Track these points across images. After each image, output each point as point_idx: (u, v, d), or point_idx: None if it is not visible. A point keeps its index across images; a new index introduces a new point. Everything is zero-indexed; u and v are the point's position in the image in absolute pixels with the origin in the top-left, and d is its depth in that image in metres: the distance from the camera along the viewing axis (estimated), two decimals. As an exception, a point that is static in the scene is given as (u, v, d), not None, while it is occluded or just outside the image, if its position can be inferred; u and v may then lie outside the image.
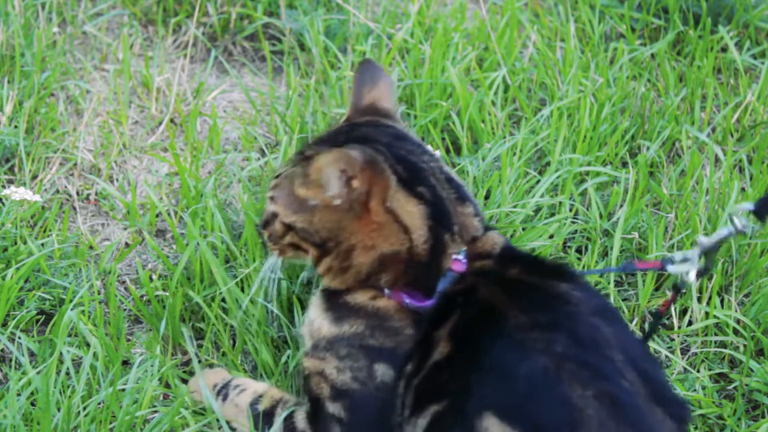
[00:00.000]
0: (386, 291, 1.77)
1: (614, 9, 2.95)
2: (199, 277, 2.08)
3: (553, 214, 2.33)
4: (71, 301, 1.99)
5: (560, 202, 2.33)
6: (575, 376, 1.52)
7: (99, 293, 2.12)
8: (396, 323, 1.76)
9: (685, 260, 1.81)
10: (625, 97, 2.64)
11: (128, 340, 2.07)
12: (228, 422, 1.86)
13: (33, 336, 2.02)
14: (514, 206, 2.27)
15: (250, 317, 2.01)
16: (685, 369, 2.11)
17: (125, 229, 2.31)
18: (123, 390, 1.85)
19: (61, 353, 1.89)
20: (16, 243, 2.14)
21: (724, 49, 2.89)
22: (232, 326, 2.06)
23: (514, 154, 2.41)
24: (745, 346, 2.14)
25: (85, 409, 1.82)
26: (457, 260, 1.76)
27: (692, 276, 1.80)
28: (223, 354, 2.04)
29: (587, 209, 2.36)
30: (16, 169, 2.37)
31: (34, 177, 2.36)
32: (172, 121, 2.58)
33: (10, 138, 2.35)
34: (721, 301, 2.23)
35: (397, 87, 2.51)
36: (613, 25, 2.93)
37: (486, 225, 1.84)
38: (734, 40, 2.86)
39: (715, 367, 2.13)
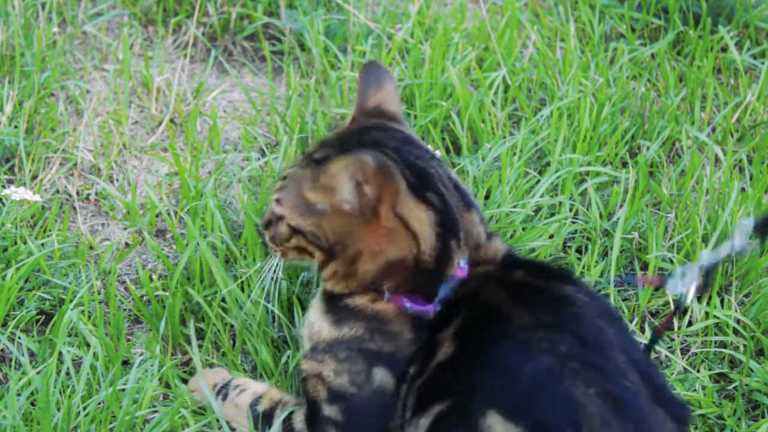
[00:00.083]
0: (386, 295, 1.77)
1: (614, 9, 2.95)
2: (199, 277, 2.08)
3: (553, 214, 2.33)
4: (71, 301, 1.99)
5: (560, 202, 2.33)
6: (579, 375, 1.53)
7: (99, 293, 2.12)
8: (395, 327, 1.75)
9: (684, 276, 1.83)
10: (625, 97, 2.64)
11: (128, 340, 2.07)
12: (227, 422, 1.87)
13: (33, 336, 2.02)
14: (514, 206, 2.27)
15: (250, 317, 2.01)
16: (685, 369, 2.11)
17: (125, 229, 2.31)
18: (123, 390, 1.85)
19: (61, 353, 1.89)
20: (16, 243, 2.14)
21: (724, 49, 2.89)
22: (232, 326, 2.06)
23: (514, 154, 2.41)
24: (745, 346, 2.14)
25: (85, 409, 1.82)
26: (460, 266, 1.76)
27: (691, 294, 1.83)
28: (223, 354, 2.04)
29: (587, 209, 2.36)
30: (16, 169, 2.37)
31: (34, 177, 2.36)
32: (172, 121, 2.58)
33: (10, 138, 2.35)
34: (721, 301, 2.23)
35: (397, 87, 2.51)
36: (613, 25, 2.93)
37: (489, 232, 1.84)
38: (734, 40, 2.86)
39: (715, 367, 2.13)
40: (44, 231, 2.21)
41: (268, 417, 1.82)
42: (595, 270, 2.20)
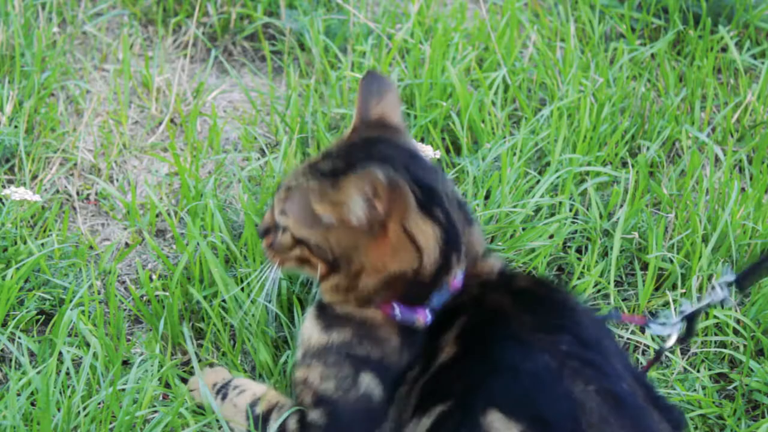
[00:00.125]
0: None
1: (614, 9, 2.95)
2: (199, 277, 2.08)
3: (553, 214, 2.33)
4: (71, 301, 1.99)
5: (560, 202, 2.33)
6: (578, 372, 1.56)
7: (99, 293, 2.12)
8: (383, 333, 1.76)
9: (665, 324, 1.85)
10: (625, 97, 2.64)
11: (128, 340, 2.07)
12: (226, 422, 1.87)
13: (33, 336, 2.02)
14: (514, 206, 2.28)
15: (250, 317, 2.01)
16: (685, 369, 2.11)
17: (125, 229, 2.31)
18: (123, 390, 1.85)
19: (60, 353, 1.89)
20: (16, 243, 2.14)
21: (724, 49, 2.89)
22: (231, 326, 2.06)
23: (514, 154, 2.41)
24: (745, 346, 2.14)
25: (85, 409, 1.82)
26: (456, 278, 1.77)
27: (671, 341, 1.85)
28: (223, 354, 2.04)
29: (587, 209, 2.36)
30: (16, 169, 2.37)
31: (34, 177, 2.36)
32: (172, 121, 2.58)
33: (10, 138, 2.35)
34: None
35: (397, 87, 2.51)
36: (613, 25, 2.93)
37: (485, 249, 1.85)
38: (734, 40, 2.86)
39: (715, 367, 2.13)
40: (44, 231, 2.21)
41: (264, 420, 1.83)
42: (595, 270, 2.20)
